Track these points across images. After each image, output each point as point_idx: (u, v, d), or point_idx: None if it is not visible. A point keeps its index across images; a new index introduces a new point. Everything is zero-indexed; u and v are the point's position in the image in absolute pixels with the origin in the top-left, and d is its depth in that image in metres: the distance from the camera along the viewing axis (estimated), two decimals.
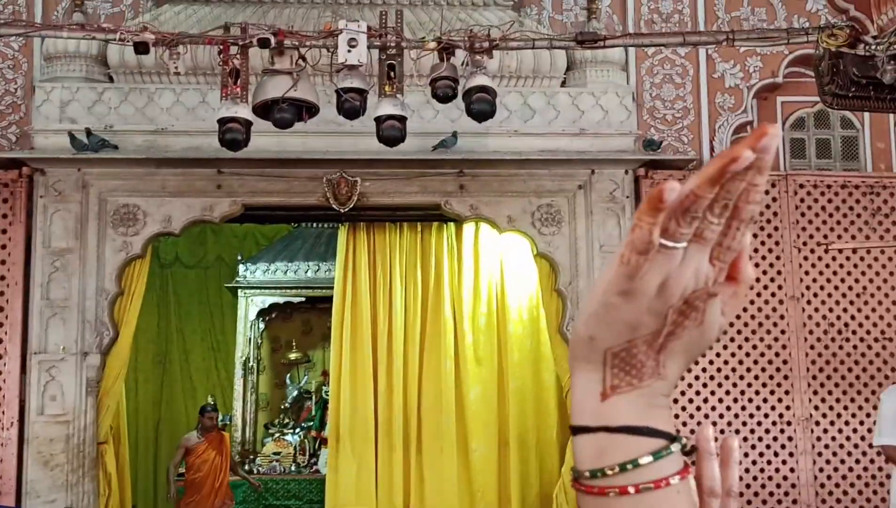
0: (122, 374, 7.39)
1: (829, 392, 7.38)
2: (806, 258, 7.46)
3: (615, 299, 0.64)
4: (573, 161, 7.38)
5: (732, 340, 7.36)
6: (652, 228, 0.62)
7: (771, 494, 7.26)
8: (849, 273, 7.46)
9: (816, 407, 7.32)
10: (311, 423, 8.53)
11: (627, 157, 7.41)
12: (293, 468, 8.05)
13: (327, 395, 8.57)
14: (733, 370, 7.32)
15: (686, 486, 0.67)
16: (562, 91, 7.49)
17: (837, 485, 7.32)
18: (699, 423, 7.11)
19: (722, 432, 7.08)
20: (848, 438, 7.35)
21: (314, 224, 8.79)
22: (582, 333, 0.67)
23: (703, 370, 7.32)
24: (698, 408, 7.29)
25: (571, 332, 0.76)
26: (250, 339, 8.53)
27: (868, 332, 7.40)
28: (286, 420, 8.42)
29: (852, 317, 7.42)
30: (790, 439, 7.27)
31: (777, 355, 7.33)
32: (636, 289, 0.64)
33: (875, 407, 6.37)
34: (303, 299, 8.68)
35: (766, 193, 7.24)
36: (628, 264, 0.63)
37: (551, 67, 7.49)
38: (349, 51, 5.31)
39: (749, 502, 7.23)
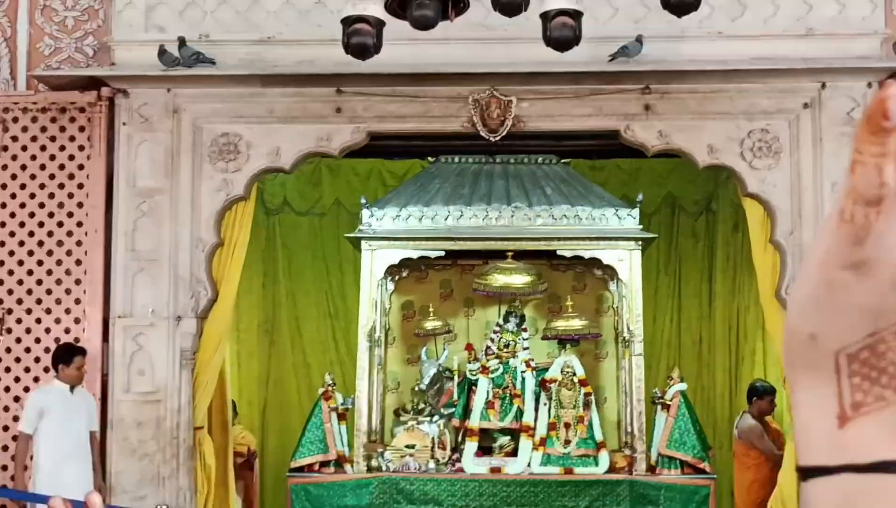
0: (223, 344, 7.05)
1: None
2: None
3: (841, 276, 0.51)
4: (798, 71, 6.67)
5: None
6: (881, 161, 0.49)
7: None
8: None
9: None
10: (453, 409, 7.48)
11: (871, 64, 6.65)
12: (431, 464, 7.24)
13: (472, 374, 7.53)
14: None
15: None
16: None
17: None
18: None
19: None
20: None
21: (456, 158, 8.05)
22: (798, 329, 0.53)
23: None
24: None
25: (784, 329, 0.53)
26: (376, 303, 7.82)
27: None
28: (421, 406, 7.61)
29: None
30: None
31: None
32: (871, 256, 0.50)
33: None
34: (442, 253, 7.84)
35: None
36: (853, 220, 0.50)
37: None
38: None
39: None
